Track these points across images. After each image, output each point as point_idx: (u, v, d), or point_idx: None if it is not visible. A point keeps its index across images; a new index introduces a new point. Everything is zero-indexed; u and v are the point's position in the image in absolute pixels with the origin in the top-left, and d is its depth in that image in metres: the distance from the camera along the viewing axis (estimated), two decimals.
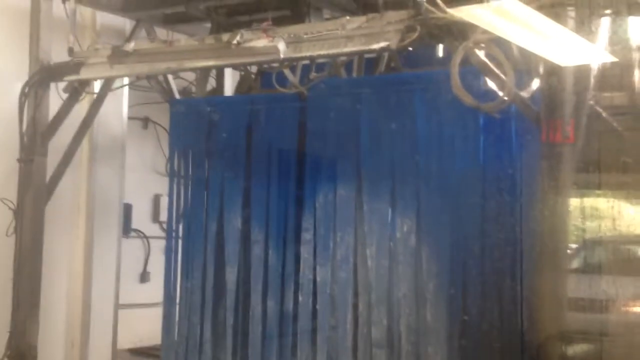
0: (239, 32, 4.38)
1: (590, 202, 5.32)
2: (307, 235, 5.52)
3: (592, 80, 4.14)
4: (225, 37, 4.44)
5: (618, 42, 4.22)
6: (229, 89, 7.18)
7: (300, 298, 5.53)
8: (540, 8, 3.35)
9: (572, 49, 3.66)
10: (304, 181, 5.57)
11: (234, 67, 5.98)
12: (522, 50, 4.07)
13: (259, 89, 6.34)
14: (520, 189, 4.74)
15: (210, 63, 4.72)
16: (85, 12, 6.44)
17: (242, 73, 6.67)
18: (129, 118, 7.52)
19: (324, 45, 4.28)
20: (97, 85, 6.31)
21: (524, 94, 4.31)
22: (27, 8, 5.97)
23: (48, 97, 5.94)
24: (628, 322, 5.19)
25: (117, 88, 6.27)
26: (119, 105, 6.92)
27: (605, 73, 4.30)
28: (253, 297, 5.76)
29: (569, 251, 4.56)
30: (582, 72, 4.08)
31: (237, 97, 6.42)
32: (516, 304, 4.71)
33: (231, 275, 5.90)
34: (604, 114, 4.61)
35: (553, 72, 4.06)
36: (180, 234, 6.32)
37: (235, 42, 4.29)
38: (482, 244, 4.85)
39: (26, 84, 5.81)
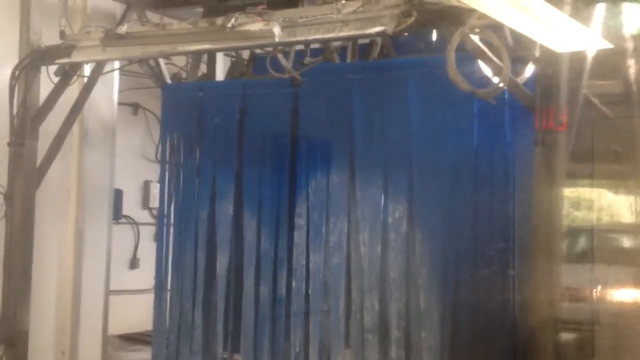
0: (233, 15, 4.35)
1: (582, 190, 5.35)
2: (299, 221, 5.51)
3: (586, 67, 4.14)
4: (219, 20, 4.40)
5: (612, 30, 4.22)
6: (220, 75, 7.14)
7: (292, 284, 5.53)
8: None
9: (568, 34, 3.66)
10: (297, 167, 5.56)
11: (228, 50, 5.94)
12: (517, 36, 4.07)
13: (251, 75, 6.30)
14: (513, 175, 4.75)
15: (204, 46, 4.67)
16: None
17: (233, 59, 6.62)
18: (120, 104, 7.46)
19: (319, 29, 4.24)
20: (87, 70, 6.25)
21: (519, 80, 4.31)
22: None
23: (39, 81, 5.87)
24: (620, 312, 5.21)
25: (108, 72, 6.20)
26: (110, 90, 6.86)
27: (599, 61, 4.31)
28: (245, 283, 5.74)
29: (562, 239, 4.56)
30: (577, 59, 4.09)
31: (230, 82, 6.38)
32: (509, 291, 4.73)
33: (223, 261, 5.88)
34: (597, 102, 4.61)
35: (548, 58, 4.07)
36: (172, 220, 6.30)
37: (229, 25, 4.25)
38: (475, 231, 4.86)
39: (16, 67, 5.74)
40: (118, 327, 8.79)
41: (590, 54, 4.10)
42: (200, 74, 7.13)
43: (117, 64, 6.30)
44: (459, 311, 4.88)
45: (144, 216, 9.97)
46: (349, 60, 5.69)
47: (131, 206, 9.75)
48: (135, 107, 9.48)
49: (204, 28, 4.48)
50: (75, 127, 6.52)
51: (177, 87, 6.38)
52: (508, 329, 4.72)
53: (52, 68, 5.82)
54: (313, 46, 5.56)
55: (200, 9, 6.04)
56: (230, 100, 5.86)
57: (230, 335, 5.89)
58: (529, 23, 3.55)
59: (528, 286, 4.47)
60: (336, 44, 5.22)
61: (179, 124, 6.20)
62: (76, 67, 5.74)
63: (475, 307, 4.82)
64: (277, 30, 4.15)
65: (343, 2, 4.25)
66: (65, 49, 5.38)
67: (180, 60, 8.19)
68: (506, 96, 4.57)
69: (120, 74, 7.04)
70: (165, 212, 6.31)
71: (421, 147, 5.02)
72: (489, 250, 4.81)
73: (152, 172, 9.23)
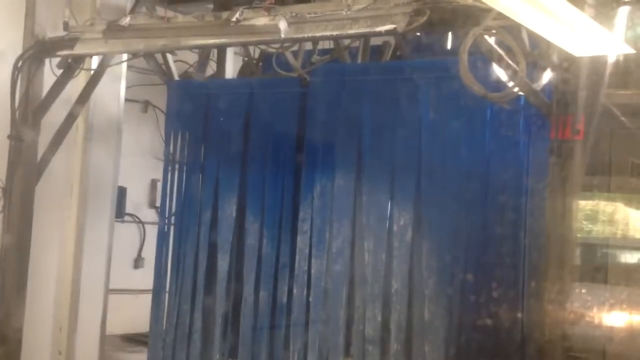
0: (239, 9, 4.18)
1: (598, 203, 5.14)
2: (304, 226, 5.33)
3: (607, 74, 3.94)
4: (224, 14, 4.24)
5: (637, 35, 4.02)
6: (229, 74, 6.98)
7: (293, 290, 5.35)
8: None
9: (589, 37, 3.46)
10: (302, 169, 5.38)
11: (232, 46, 5.78)
12: (534, 39, 3.88)
13: (260, 74, 6.15)
14: (525, 185, 4.57)
15: (209, 41, 4.52)
16: None
17: (245, 59, 6.47)
18: (129, 100, 7.32)
19: (327, 26, 4.07)
20: (94, 63, 6.11)
21: (535, 86, 4.12)
22: None
23: (42, 73, 5.75)
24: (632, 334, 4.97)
25: (114, 64, 6.05)
26: (117, 85, 6.71)
27: (621, 69, 4.11)
28: (245, 287, 5.59)
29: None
30: (597, 65, 3.89)
31: (237, 81, 6.24)
32: (518, 307, 4.54)
33: (223, 264, 5.72)
34: (617, 112, 4.42)
35: (567, 63, 3.87)
36: (173, 219, 6.15)
37: (234, 19, 4.09)
38: (484, 241, 4.68)
39: (19, 59, 5.62)
40: (120, 326, 8.65)
41: (611, 60, 3.90)
42: (211, 72, 6.99)
43: (123, 57, 6.16)
44: (465, 326, 4.69)
45: (151, 215, 9.84)
46: (359, 60, 5.51)
47: (139, 205, 9.63)
48: (145, 105, 9.35)
49: (208, 22, 4.33)
50: (80, 122, 6.39)
51: (183, 84, 6.22)
52: (516, 348, 4.52)
53: (56, 60, 5.69)
54: (324, 46, 5.41)
55: (210, 5, 5.90)
56: (237, 99, 5.70)
57: (228, 340, 5.72)
58: (549, 24, 3.36)
59: (538, 303, 4.27)
60: (346, 42, 5.04)
61: (183, 121, 6.06)
62: (79, 59, 5.60)
63: (483, 323, 4.63)
64: (283, 25, 3.98)
65: None
66: (68, 41, 5.24)
67: (191, 58, 8.07)
68: (522, 102, 4.39)
69: (130, 70, 6.90)
70: (167, 212, 6.16)
71: (431, 153, 4.83)
72: (499, 264, 4.62)
73: (160, 170, 9.07)
